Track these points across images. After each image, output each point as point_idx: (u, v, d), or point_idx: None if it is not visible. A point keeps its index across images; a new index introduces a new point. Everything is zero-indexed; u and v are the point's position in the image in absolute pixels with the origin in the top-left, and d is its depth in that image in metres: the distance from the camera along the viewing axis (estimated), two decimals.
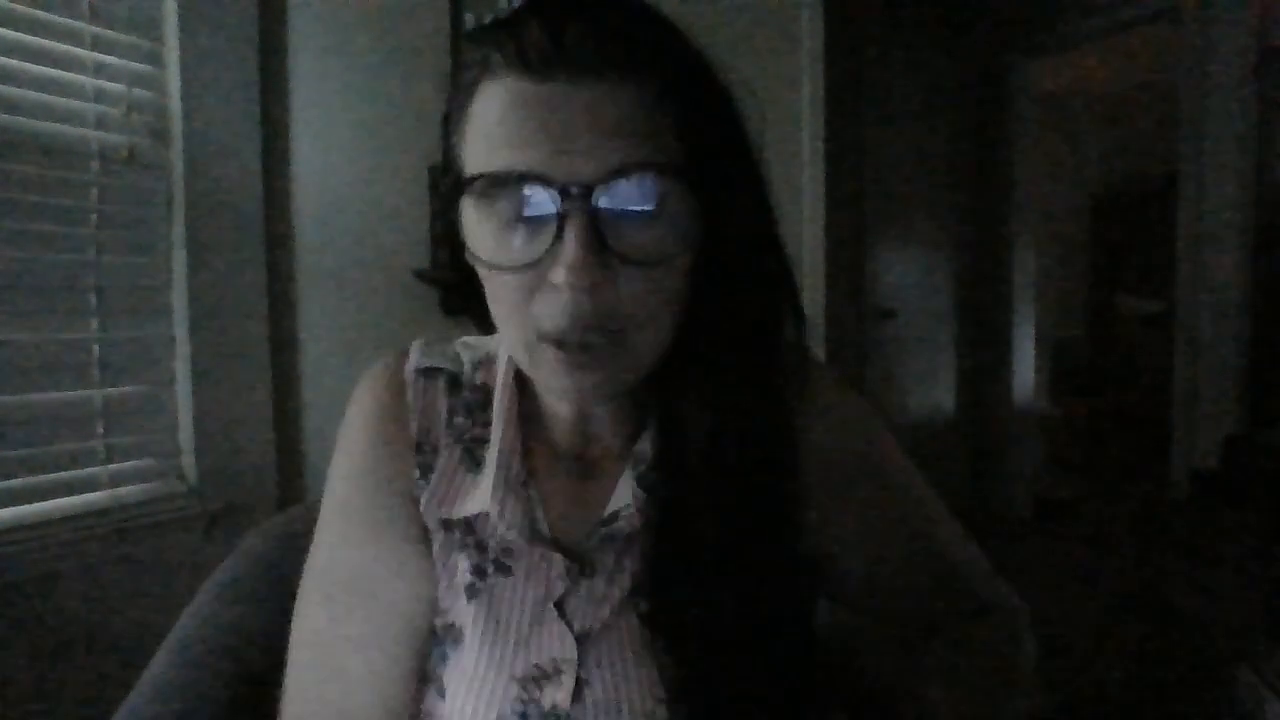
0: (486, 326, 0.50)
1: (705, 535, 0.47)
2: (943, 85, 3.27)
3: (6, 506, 1.04)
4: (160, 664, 0.59)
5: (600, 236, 0.40)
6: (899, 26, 3.12)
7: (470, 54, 0.44)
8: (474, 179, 0.42)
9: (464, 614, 0.51)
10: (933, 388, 3.35)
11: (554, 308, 0.42)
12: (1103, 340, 4.94)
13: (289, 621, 0.59)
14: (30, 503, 1.06)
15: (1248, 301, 2.38)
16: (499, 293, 0.45)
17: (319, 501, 0.54)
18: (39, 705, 1.04)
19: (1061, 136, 4.65)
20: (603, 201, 0.40)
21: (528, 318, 0.43)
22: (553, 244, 0.40)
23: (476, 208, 0.43)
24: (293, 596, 0.62)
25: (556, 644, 0.50)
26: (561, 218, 0.40)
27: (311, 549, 0.52)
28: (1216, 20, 2.40)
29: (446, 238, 0.48)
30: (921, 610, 0.59)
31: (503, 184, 0.41)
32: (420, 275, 1.47)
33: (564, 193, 0.39)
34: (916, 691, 0.55)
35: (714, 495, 0.47)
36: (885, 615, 0.61)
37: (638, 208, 0.41)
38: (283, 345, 1.34)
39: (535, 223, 0.41)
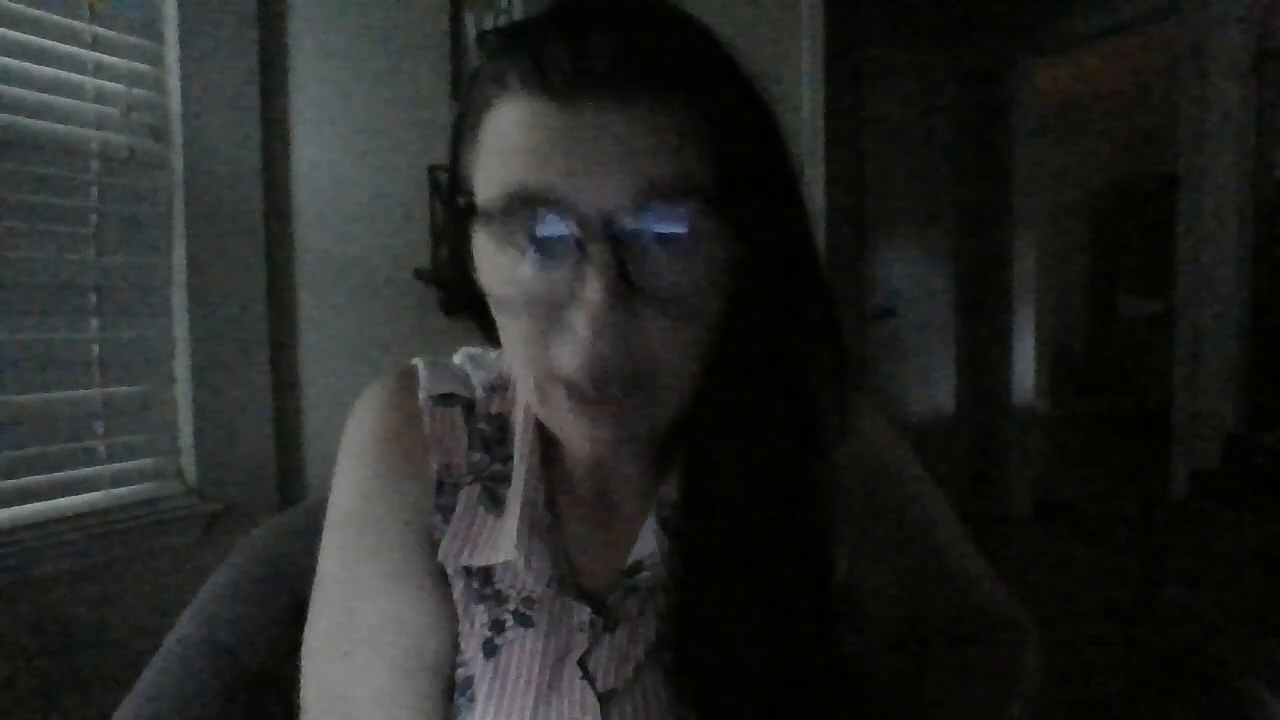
0: (488, 329, 0.49)
1: (734, 586, 0.44)
2: (943, 85, 3.27)
3: (6, 506, 1.04)
4: (160, 664, 0.59)
5: (624, 272, 0.36)
6: (899, 26, 3.12)
7: (485, 68, 0.40)
8: (485, 204, 0.38)
9: (479, 668, 0.47)
10: (933, 387, 3.36)
11: (570, 351, 0.37)
12: (1103, 340, 4.95)
13: (289, 621, 0.59)
14: (30, 503, 1.06)
15: (1248, 301, 2.38)
16: (509, 329, 0.40)
17: (319, 501, 0.52)
18: (39, 705, 1.04)
19: (1061, 136, 4.65)
20: (628, 231, 0.36)
21: (541, 356, 0.39)
22: (571, 280, 0.36)
23: (487, 235, 0.38)
24: (293, 596, 0.62)
25: (577, 704, 0.46)
26: (581, 249, 0.35)
27: (320, 596, 0.47)
28: (1216, 20, 2.40)
29: (451, 253, 0.44)
30: (927, 631, 0.58)
31: (516, 210, 0.37)
32: (420, 275, 1.47)
33: (584, 222, 0.35)
34: (917, 712, 0.54)
35: (743, 543, 0.44)
36: (890, 635, 0.59)
37: (667, 240, 0.37)
38: (283, 345, 1.34)
39: (552, 254, 0.37)
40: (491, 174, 0.39)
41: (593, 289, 0.35)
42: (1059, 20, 3.11)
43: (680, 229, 0.37)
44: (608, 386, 0.38)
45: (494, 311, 0.42)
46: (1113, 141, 4.80)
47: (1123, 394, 4.50)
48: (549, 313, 0.38)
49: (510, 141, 0.37)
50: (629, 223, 0.36)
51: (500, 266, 0.38)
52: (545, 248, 0.37)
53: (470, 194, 0.41)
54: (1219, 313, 2.42)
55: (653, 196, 0.36)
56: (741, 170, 0.38)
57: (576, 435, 0.41)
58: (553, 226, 0.36)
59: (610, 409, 0.39)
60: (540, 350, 0.39)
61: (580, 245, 0.35)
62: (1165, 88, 3.26)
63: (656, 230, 0.36)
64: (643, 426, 0.41)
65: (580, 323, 0.36)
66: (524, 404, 0.50)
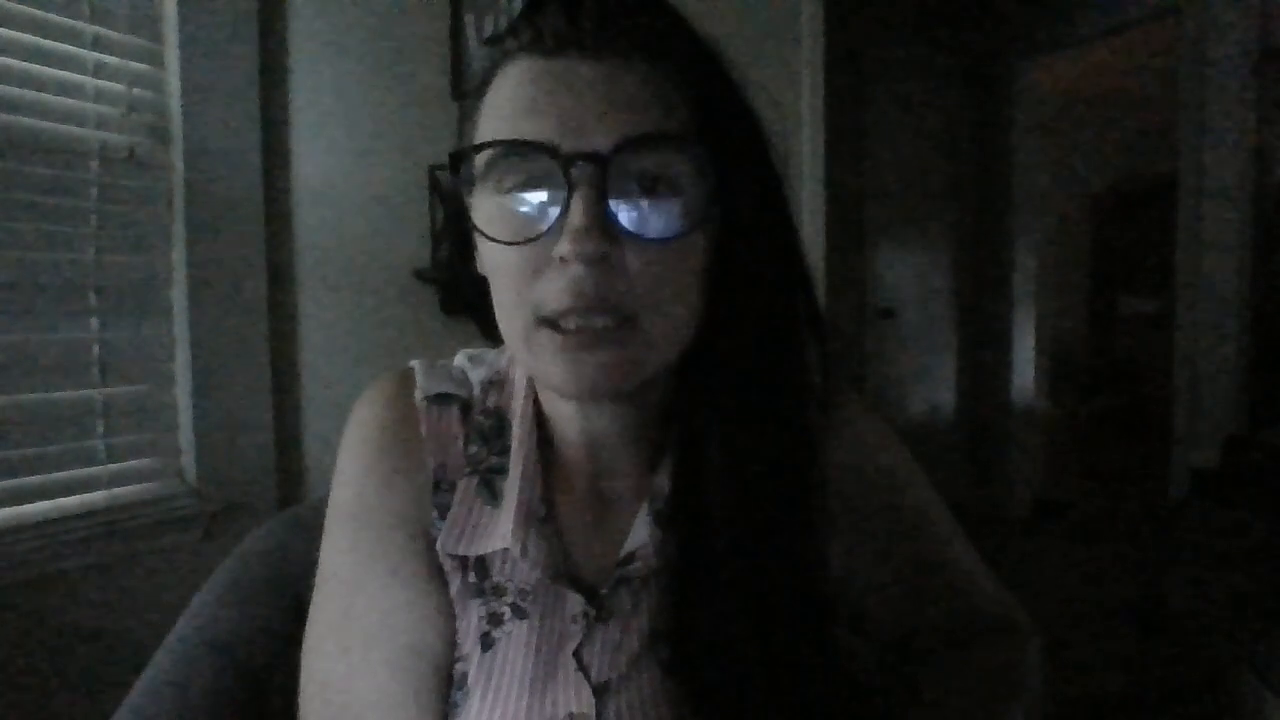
0: (487, 327, 0.48)
1: (726, 577, 0.44)
2: (943, 85, 3.27)
3: (6, 506, 1.04)
4: (160, 664, 0.59)
5: (608, 209, 0.39)
6: (899, 26, 3.12)
7: (490, 52, 0.45)
8: (480, 148, 0.41)
9: (476, 662, 0.48)
10: (933, 388, 3.36)
11: (557, 285, 0.40)
12: (1103, 340, 4.95)
13: (289, 621, 0.59)
14: (30, 503, 1.06)
15: (1248, 301, 2.38)
16: (502, 275, 0.42)
17: (319, 501, 0.53)
18: (39, 705, 1.04)
19: (1061, 136, 4.65)
20: (612, 173, 0.39)
21: (529, 298, 0.41)
22: (559, 218, 0.39)
23: (482, 182, 0.42)
24: (293, 596, 0.62)
25: (573, 696, 0.46)
26: (569, 190, 0.39)
27: (320, 593, 0.48)
28: (1216, 20, 2.40)
29: (450, 230, 0.47)
30: (927, 631, 0.58)
31: (509, 156, 0.40)
32: (420, 275, 1.47)
33: (571, 163, 0.38)
34: (916, 712, 0.54)
35: (734, 533, 0.44)
36: (888, 636, 0.59)
37: (648, 181, 0.40)
38: (283, 345, 1.34)
39: (542, 196, 0.40)
40: (488, 127, 0.42)
41: (576, 220, 0.38)
42: (1059, 20, 3.11)
43: (659, 172, 0.40)
44: (591, 319, 0.40)
45: (487, 269, 0.44)
46: (1113, 141, 4.80)
47: (1123, 394, 4.50)
48: (539, 255, 0.40)
49: (506, 97, 0.42)
50: (612, 164, 0.39)
51: (494, 211, 0.41)
52: (537, 191, 0.40)
53: (470, 158, 0.43)
54: (1219, 313, 2.42)
55: (634, 142, 0.39)
56: (717, 121, 0.42)
57: (562, 376, 0.42)
58: (544, 171, 0.40)
59: (594, 345, 0.41)
60: (529, 292, 0.41)
61: (568, 187, 0.39)
62: (1165, 88, 3.26)
63: (636, 170, 0.40)
64: (628, 369, 0.42)
65: (565, 249, 0.39)
66: (523, 395, 0.51)
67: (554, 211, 0.39)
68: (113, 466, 1.15)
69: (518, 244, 0.40)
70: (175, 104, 1.19)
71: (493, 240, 0.41)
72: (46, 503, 1.07)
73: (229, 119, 1.24)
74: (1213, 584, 1.79)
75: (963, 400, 3.42)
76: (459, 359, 0.55)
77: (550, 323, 0.41)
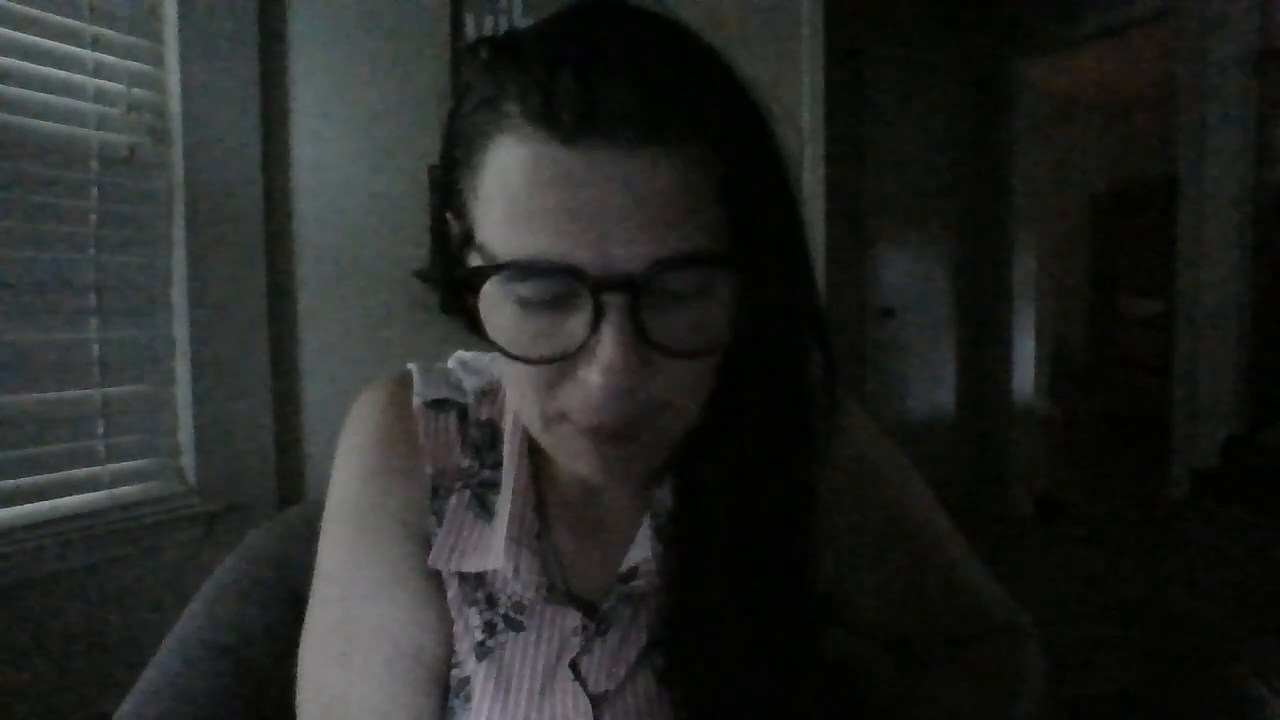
0: (476, 327, 0.49)
1: (726, 589, 0.44)
2: (943, 85, 3.27)
3: (6, 506, 1.04)
4: (160, 664, 0.59)
5: (640, 331, 0.35)
6: (899, 26, 3.13)
7: (480, 84, 0.38)
8: (493, 258, 0.36)
9: (473, 670, 0.48)
10: (933, 387, 3.36)
11: (583, 400, 0.37)
12: (1103, 340, 4.95)
13: (289, 621, 0.59)
14: (30, 503, 1.06)
15: (1248, 301, 2.38)
16: (513, 370, 0.39)
17: (319, 500, 0.52)
18: (39, 705, 1.04)
19: (1061, 136, 4.65)
20: (644, 291, 0.35)
21: (550, 400, 0.38)
22: (586, 338, 0.35)
23: (496, 287, 0.37)
24: (293, 596, 0.62)
25: (570, 706, 0.46)
26: (598, 311, 0.35)
27: (316, 597, 0.48)
28: (1216, 20, 2.40)
29: (443, 257, 0.45)
30: (926, 634, 0.58)
31: (530, 274, 0.35)
32: (420, 275, 1.47)
33: (600, 284, 0.34)
34: (919, 715, 0.54)
35: (735, 549, 0.44)
36: (888, 639, 0.59)
37: (682, 299, 0.36)
38: (283, 345, 1.34)
39: (566, 311, 0.36)
40: (497, 223, 0.36)
41: (608, 348, 0.35)
42: (1059, 20, 3.11)
43: (695, 290, 0.36)
44: (619, 430, 0.38)
45: (498, 351, 0.40)
46: (1113, 141, 4.80)
47: (1123, 394, 4.51)
48: (561, 367, 0.37)
49: (518, 187, 0.35)
50: (646, 283, 0.35)
51: (508, 320, 0.37)
52: (560, 306, 0.36)
53: (471, 229, 0.39)
54: (1219, 313, 2.42)
55: (670, 264, 0.35)
56: (758, 227, 0.38)
57: (585, 469, 0.41)
58: (569, 287, 0.35)
59: (621, 442, 0.39)
60: (549, 394, 0.38)
61: (596, 304, 0.35)
62: (1165, 88, 3.26)
63: (673, 287, 0.36)
64: (649, 457, 0.41)
65: (595, 380, 0.36)
66: (513, 409, 0.50)
67: (579, 332, 0.35)
68: (113, 466, 1.15)
69: (538, 362, 0.37)
70: (175, 104, 1.19)
71: (513, 358, 0.37)
72: (46, 503, 1.07)
73: (229, 119, 1.24)
74: (1213, 584, 1.79)
75: (963, 400, 3.42)
76: (453, 362, 0.55)
77: (574, 424, 0.39)
